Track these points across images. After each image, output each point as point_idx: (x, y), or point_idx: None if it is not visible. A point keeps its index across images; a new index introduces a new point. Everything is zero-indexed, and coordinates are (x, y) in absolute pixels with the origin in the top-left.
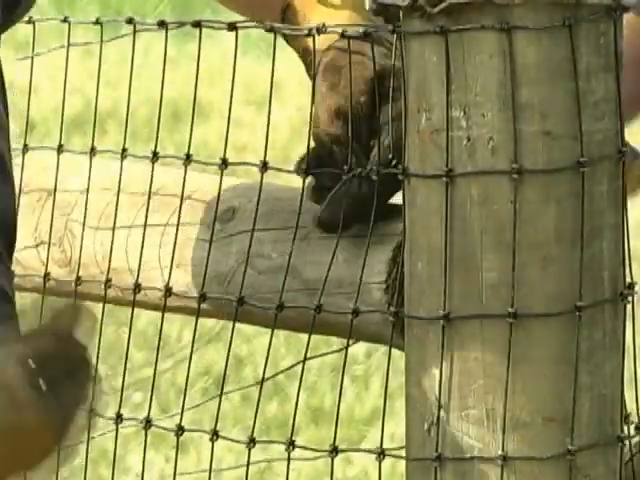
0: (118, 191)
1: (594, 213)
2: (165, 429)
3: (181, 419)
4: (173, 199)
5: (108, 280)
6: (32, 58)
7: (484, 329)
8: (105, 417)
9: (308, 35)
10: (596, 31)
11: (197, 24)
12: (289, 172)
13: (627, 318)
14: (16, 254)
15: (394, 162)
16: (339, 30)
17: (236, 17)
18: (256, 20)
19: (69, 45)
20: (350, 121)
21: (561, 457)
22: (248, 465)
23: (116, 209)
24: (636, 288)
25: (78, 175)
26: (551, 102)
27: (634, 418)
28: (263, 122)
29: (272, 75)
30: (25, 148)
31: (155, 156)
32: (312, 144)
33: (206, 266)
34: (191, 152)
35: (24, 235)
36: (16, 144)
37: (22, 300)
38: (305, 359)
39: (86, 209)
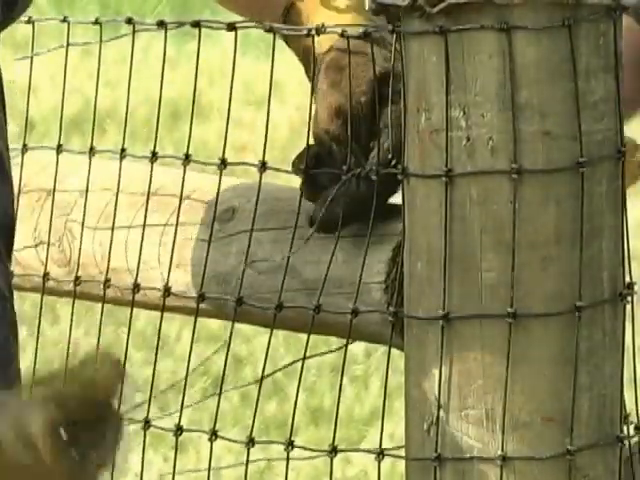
0: (117, 191)
1: (593, 213)
2: (164, 429)
3: (180, 419)
4: (172, 199)
5: (107, 280)
6: (31, 58)
7: (483, 329)
8: None
9: (308, 35)
10: (596, 31)
11: (196, 24)
12: (288, 172)
13: (627, 318)
14: (15, 254)
15: (393, 162)
16: (339, 30)
17: (235, 17)
18: (255, 20)
19: (68, 45)
20: (350, 121)
21: (560, 457)
22: (247, 465)
23: (115, 209)
24: (635, 288)
25: (77, 175)
26: (550, 102)
27: (633, 418)
28: (262, 122)
29: (271, 75)
30: (24, 148)
31: (154, 156)
32: (311, 143)
33: (205, 266)
34: (190, 152)
35: (23, 235)
36: (15, 144)
37: (22, 300)
38: (304, 358)
39: (85, 209)
